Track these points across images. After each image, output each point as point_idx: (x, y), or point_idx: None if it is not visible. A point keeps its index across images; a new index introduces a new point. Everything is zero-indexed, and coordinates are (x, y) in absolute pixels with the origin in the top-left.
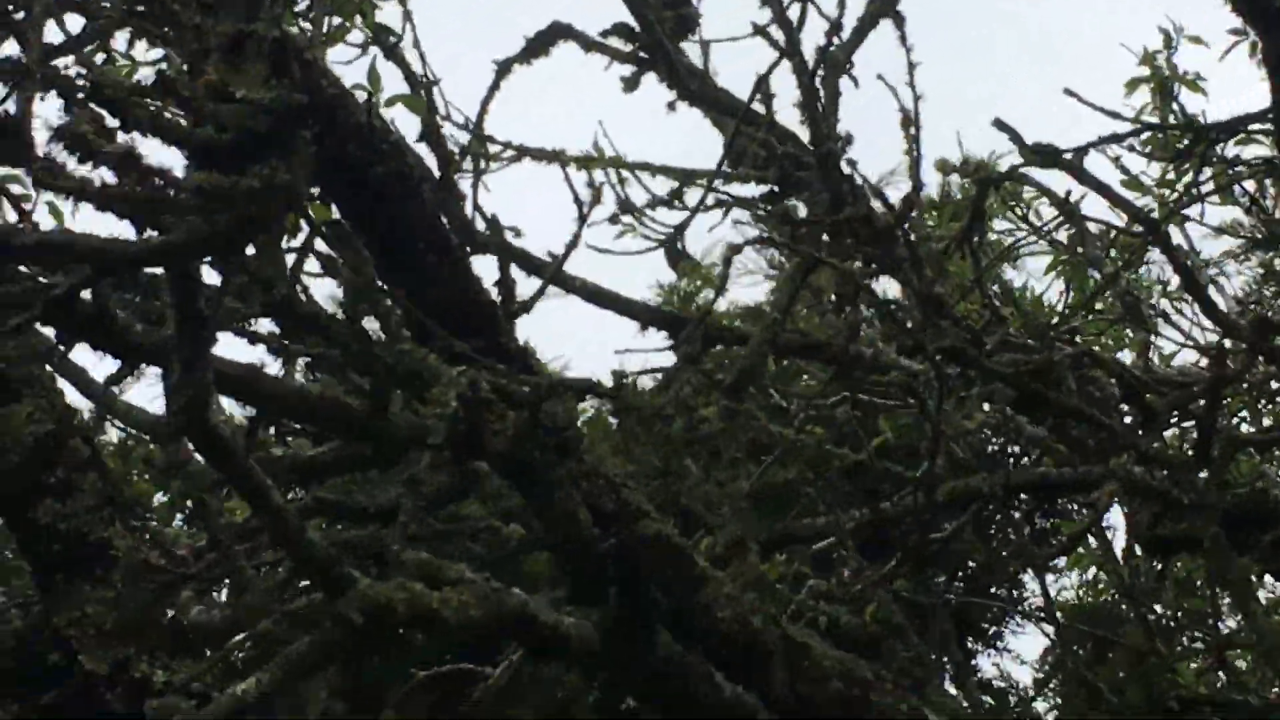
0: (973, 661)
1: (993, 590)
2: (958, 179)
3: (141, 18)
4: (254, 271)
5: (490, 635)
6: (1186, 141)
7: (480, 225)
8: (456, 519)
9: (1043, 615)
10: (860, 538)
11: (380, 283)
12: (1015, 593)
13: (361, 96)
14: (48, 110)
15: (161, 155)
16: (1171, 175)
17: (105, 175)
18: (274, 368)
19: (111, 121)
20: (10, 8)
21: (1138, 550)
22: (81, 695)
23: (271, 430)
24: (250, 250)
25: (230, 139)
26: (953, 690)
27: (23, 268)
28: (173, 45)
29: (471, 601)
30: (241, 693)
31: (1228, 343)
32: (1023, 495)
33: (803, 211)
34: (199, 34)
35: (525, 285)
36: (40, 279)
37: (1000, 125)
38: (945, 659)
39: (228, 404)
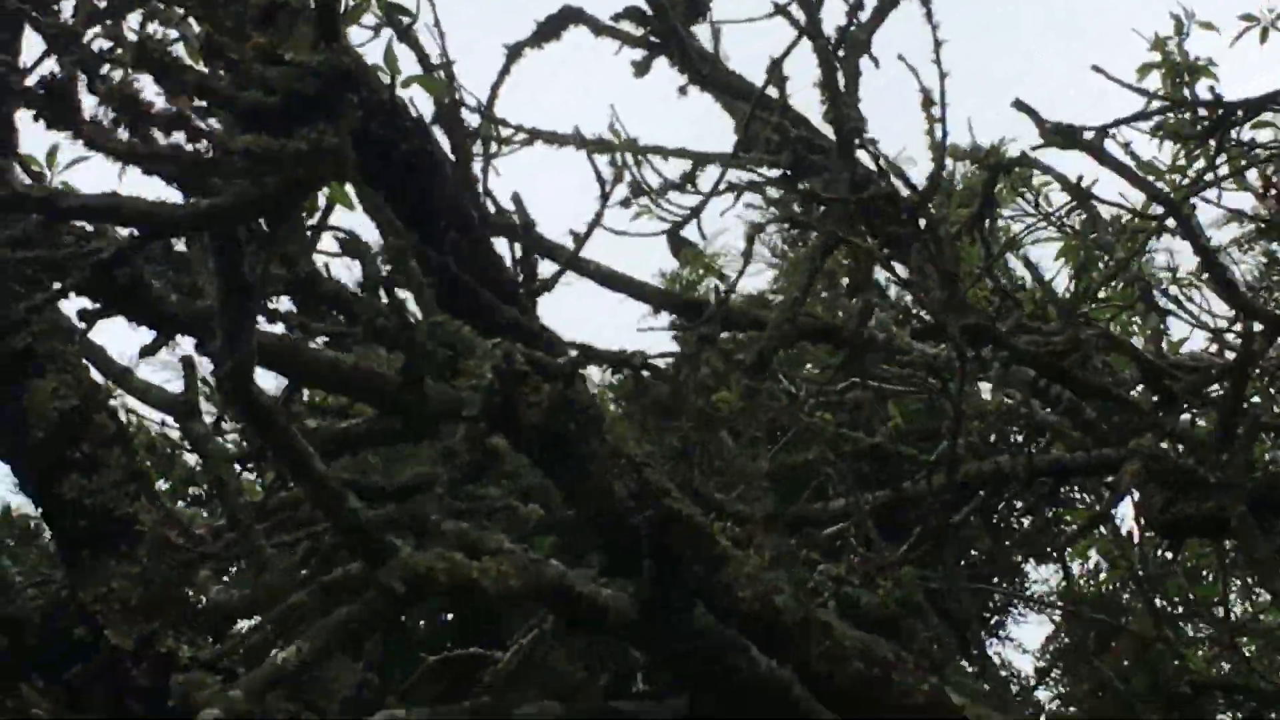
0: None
1: (995, 579)
2: (965, 165)
3: None
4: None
5: (528, 605)
6: (1209, 122)
7: (490, 208)
8: (474, 498)
9: (1050, 602)
10: (877, 520)
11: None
12: (1018, 581)
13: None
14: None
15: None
16: (1183, 161)
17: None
18: None
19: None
20: None
21: (1137, 537)
22: (107, 670)
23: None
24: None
25: (277, 102)
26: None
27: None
28: (204, 17)
29: (511, 571)
30: (281, 662)
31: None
32: (1044, 478)
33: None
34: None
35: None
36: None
37: (1020, 106)
38: (967, 639)
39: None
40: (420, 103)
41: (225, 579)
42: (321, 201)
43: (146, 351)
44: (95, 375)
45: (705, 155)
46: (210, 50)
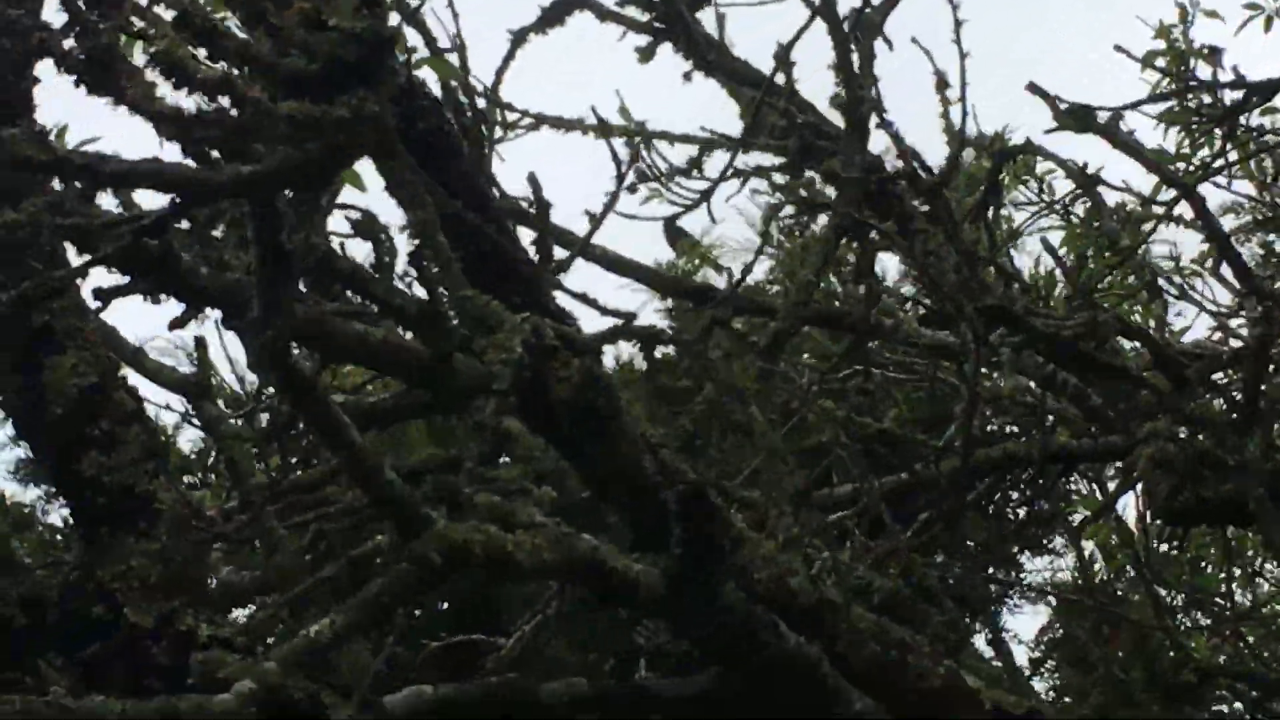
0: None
1: (991, 569)
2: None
3: None
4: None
5: (561, 579)
6: (1227, 105)
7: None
8: (486, 480)
9: (1050, 591)
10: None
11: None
12: (1013, 572)
13: None
14: None
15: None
16: (1187, 149)
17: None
18: None
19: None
20: None
21: (1136, 525)
22: (126, 649)
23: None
24: None
25: (318, 69)
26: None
27: None
28: None
29: (545, 545)
30: (315, 634)
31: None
32: (1054, 463)
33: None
34: None
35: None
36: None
37: (1034, 89)
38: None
39: None
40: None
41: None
42: None
43: (176, 324)
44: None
45: (712, 140)
46: (251, 15)
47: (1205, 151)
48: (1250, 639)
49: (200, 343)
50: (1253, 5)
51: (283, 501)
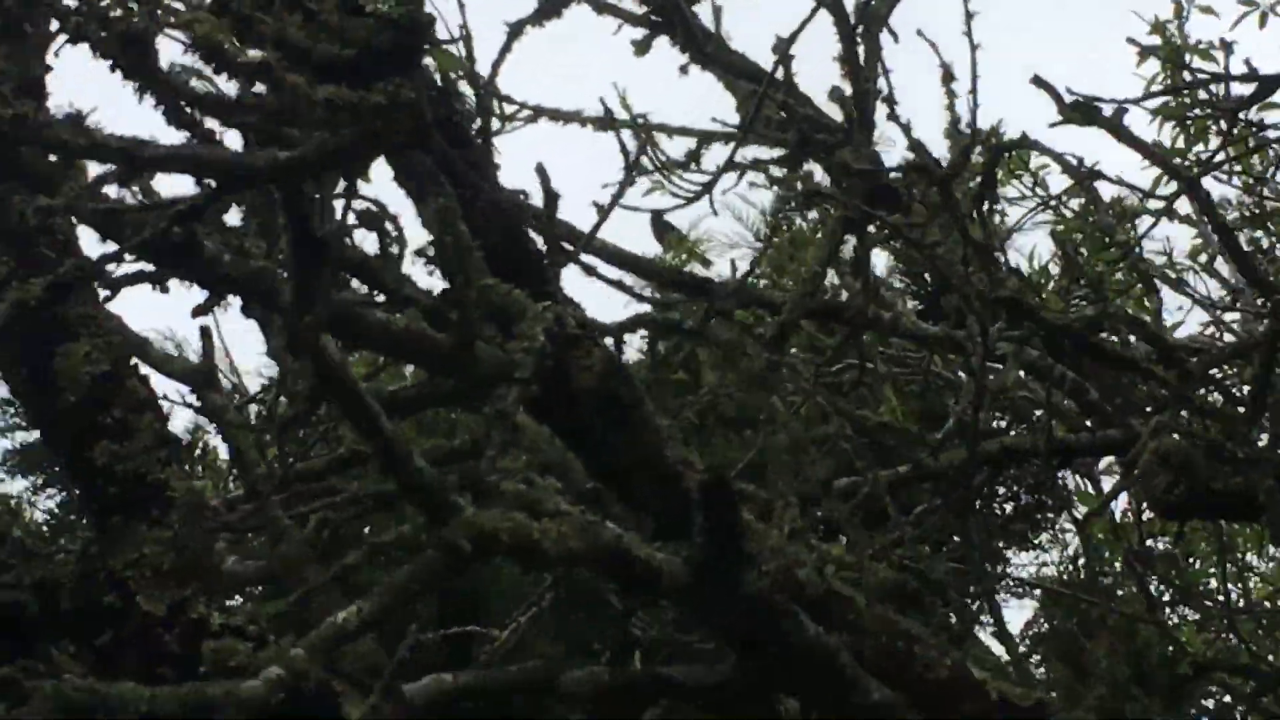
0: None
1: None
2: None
3: None
4: None
5: (586, 567)
6: (1242, 96)
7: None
8: (470, 472)
9: (1041, 585)
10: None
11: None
12: (999, 567)
13: None
14: None
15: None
16: (1181, 144)
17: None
18: None
19: None
20: None
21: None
22: (138, 636)
23: None
24: None
25: (352, 55)
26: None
27: None
28: None
29: (571, 533)
30: (342, 621)
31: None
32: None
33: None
34: None
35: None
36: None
37: (1038, 82)
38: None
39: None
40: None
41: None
42: None
43: (199, 311)
44: None
45: (711, 133)
46: (289, 1)
47: (1200, 146)
48: (1242, 633)
49: (205, 332)
50: (1248, 1)
51: (287, 491)
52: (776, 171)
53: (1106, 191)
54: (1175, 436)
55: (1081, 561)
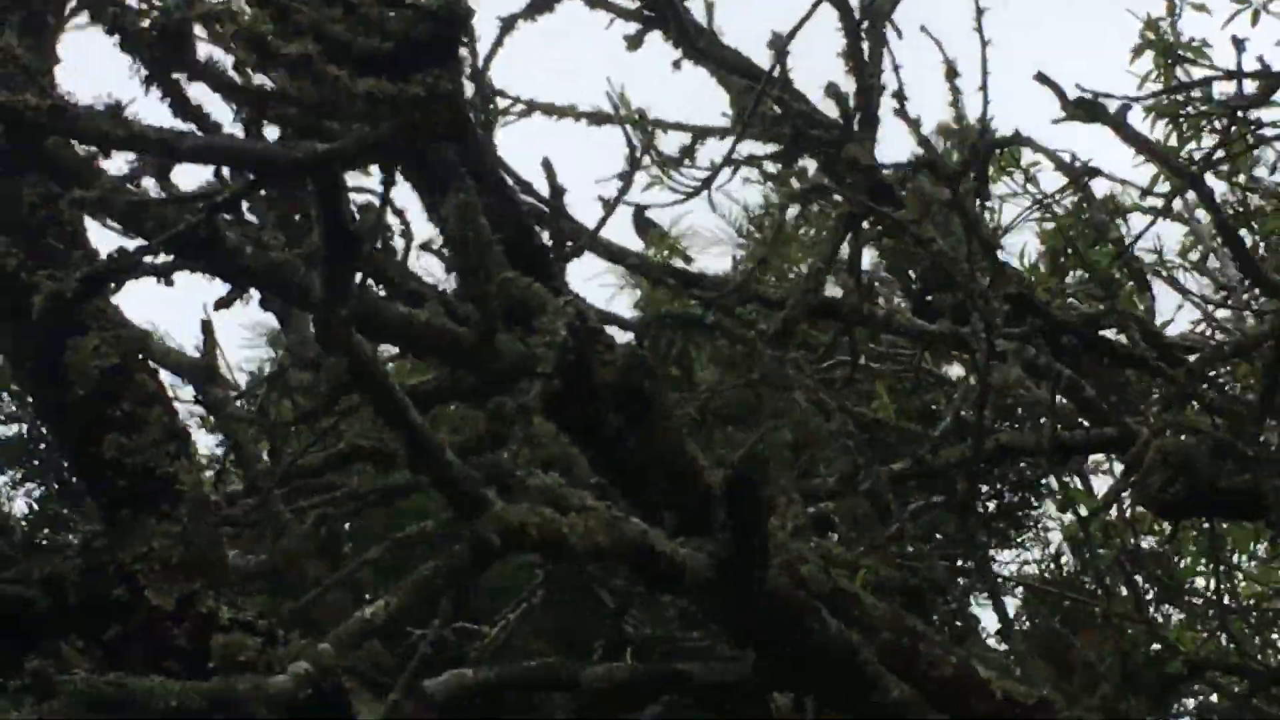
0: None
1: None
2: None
3: None
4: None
5: (611, 563)
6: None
7: None
8: (491, 466)
9: (1029, 583)
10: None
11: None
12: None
13: None
14: None
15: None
16: (1174, 142)
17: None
18: None
19: None
20: None
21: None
22: (146, 630)
23: None
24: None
25: (391, 47)
26: None
27: None
28: None
29: (597, 528)
30: (370, 615)
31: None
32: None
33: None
34: None
35: None
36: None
37: (1042, 79)
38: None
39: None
40: None
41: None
42: None
43: (221, 304)
44: None
45: (706, 128)
46: None
47: (1193, 144)
48: (1233, 632)
49: (206, 327)
50: None
51: (288, 486)
52: (770, 167)
53: (1098, 188)
54: (1178, 435)
55: (1065, 559)
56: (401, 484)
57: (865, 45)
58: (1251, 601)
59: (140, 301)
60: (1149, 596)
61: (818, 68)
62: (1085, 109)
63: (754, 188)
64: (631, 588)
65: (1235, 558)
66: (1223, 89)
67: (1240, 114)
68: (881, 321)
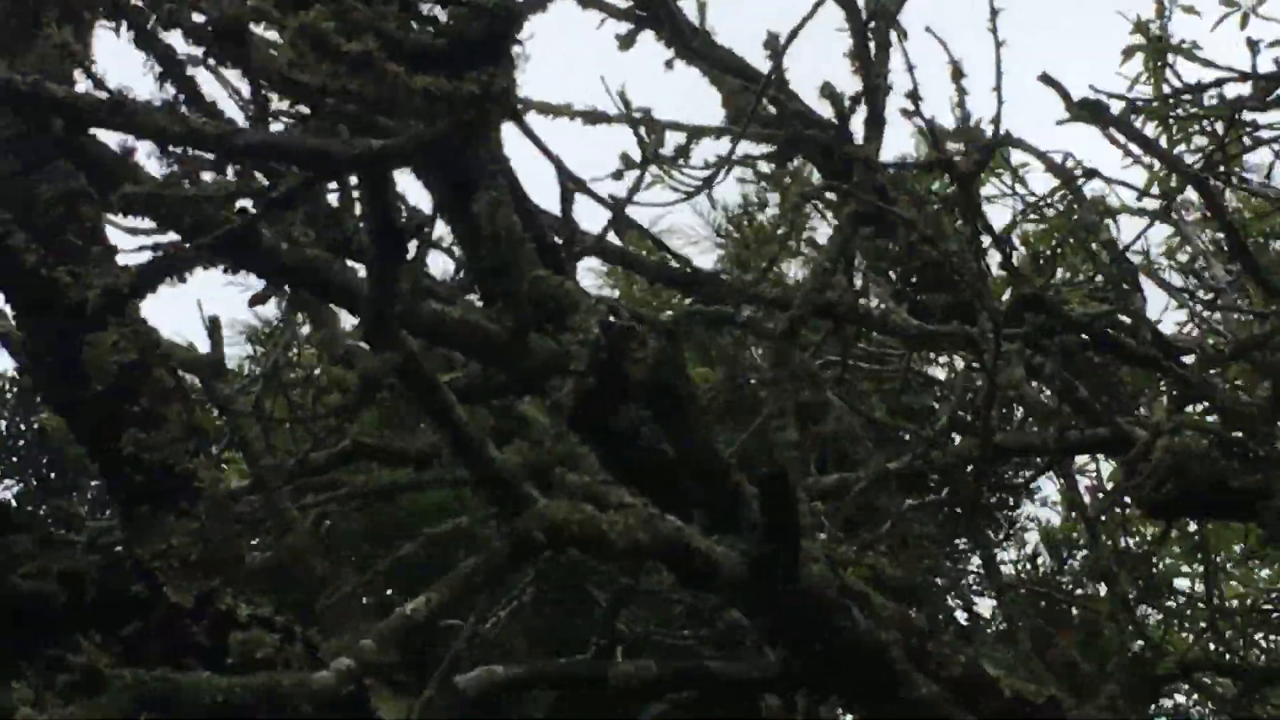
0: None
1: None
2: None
3: None
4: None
5: (649, 560)
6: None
7: None
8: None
9: (1015, 583)
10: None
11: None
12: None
13: None
14: None
15: None
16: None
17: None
18: None
19: None
20: None
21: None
22: (165, 627)
23: None
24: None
25: (444, 44)
26: None
27: None
28: None
29: (636, 525)
30: (411, 612)
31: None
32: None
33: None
34: None
35: None
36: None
37: (1046, 80)
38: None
39: None
40: None
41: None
42: None
43: (257, 300)
44: None
45: (701, 128)
46: None
47: (1182, 146)
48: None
49: (214, 323)
50: (1229, 1)
51: (293, 483)
52: (764, 167)
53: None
54: (1188, 435)
55: (1041, 560)
56: (404, 482)
57: (871, 45)
58: (1235, 602)
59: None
60: (1131, 595)
61: (813, 67)
62: (1090, 110)
63: (732, 187)
64: (632, 584)
65: (1217, 557)
66: (1213, 92)
67: (1236, 116)
68: (878, 321)
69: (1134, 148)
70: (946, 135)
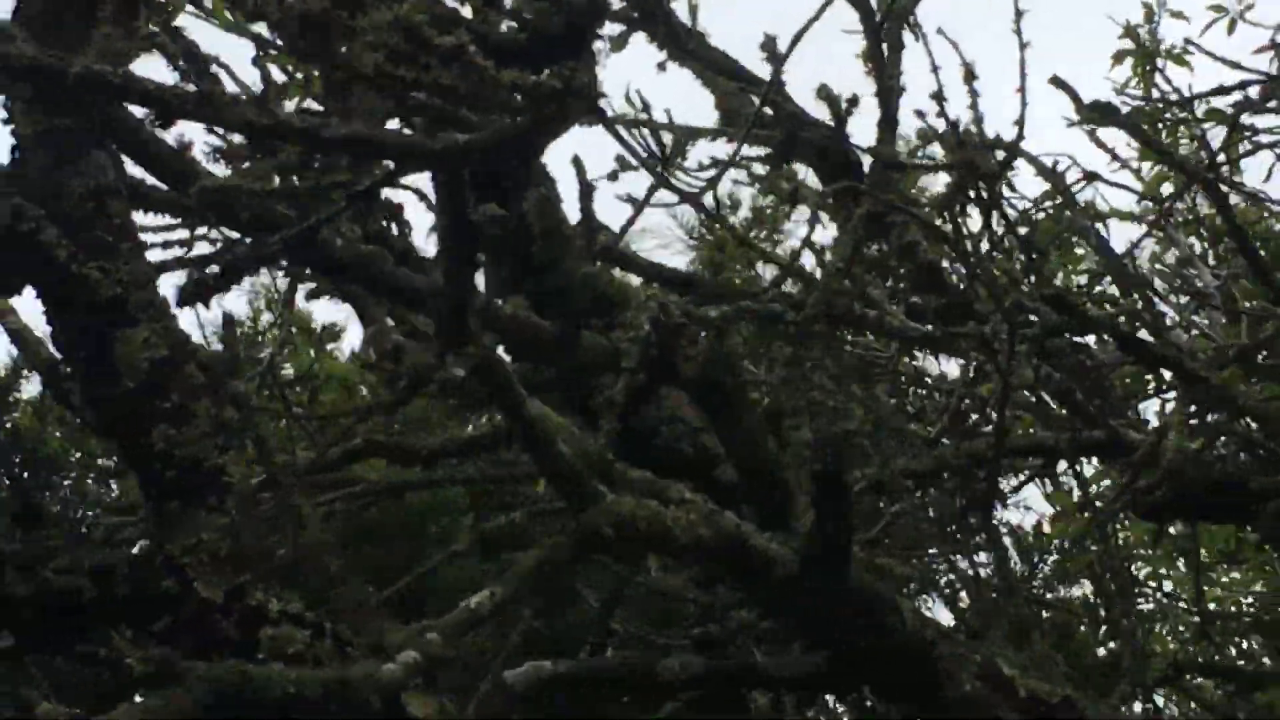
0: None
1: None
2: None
3: None
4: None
5: (709, 555)
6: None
7: None
8: (504, 464)
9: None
10: (902, 489)
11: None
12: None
13: None
14: None
15: None
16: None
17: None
18: None
19: None
20: None
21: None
22: (195, 622)
23: None
24: None
25: (525, 39)
26: None
27: None
28: None
29: (698, 521)
30: (475, 605)
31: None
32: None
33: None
34: None
35: None
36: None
37: (1057, 83)
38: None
39: None
40: None
41: None
42: None
43: (313, 295)
44: None
45: (697, 129)
46: None
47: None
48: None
49: (228, 319)
50: (1217, 8)
51: (308, 480)
52: (759, 168)
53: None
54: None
55: (1015, 564)
56: (415, 480)
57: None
58: (1214, 605)
59: None
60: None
61: (809, 69)
62: (1099, 112)
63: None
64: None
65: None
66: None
67: (1237, 120)
68: (874, 322)
69: (1122, 152)
70: (937, 137)
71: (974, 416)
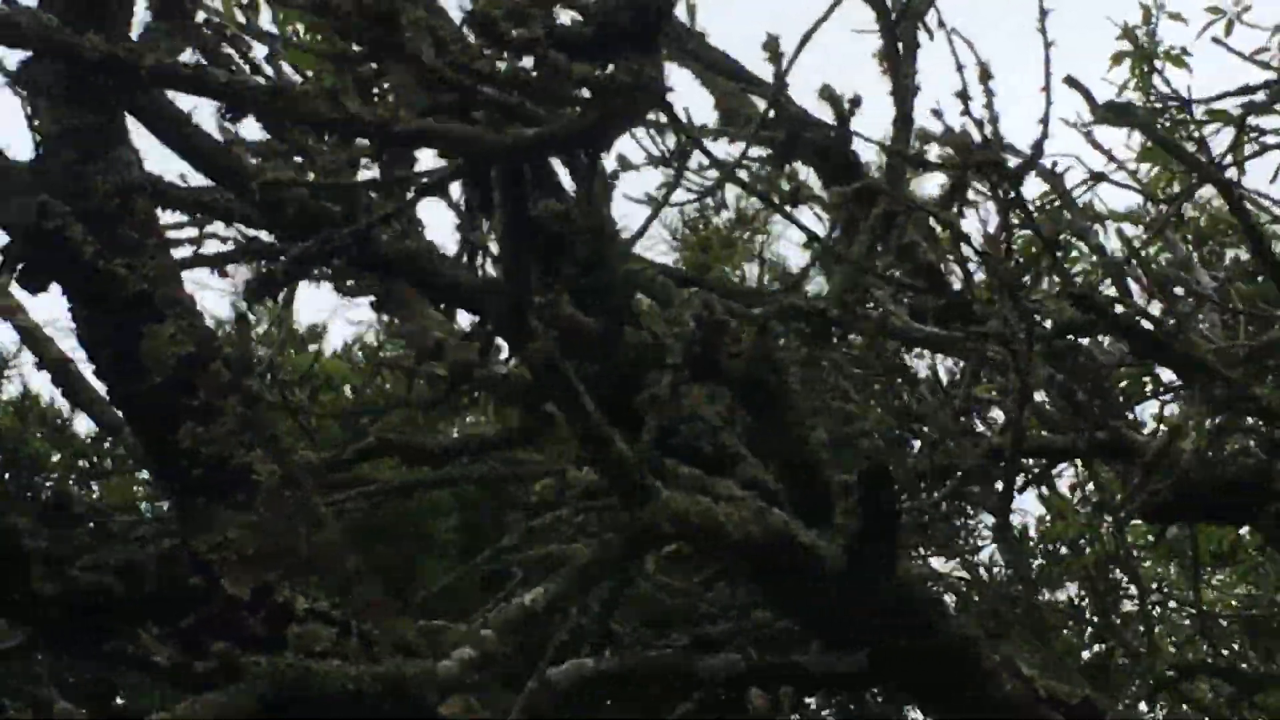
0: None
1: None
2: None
3: None
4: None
5: (759, 551)
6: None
7: None
8: (516, 462)
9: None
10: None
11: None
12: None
13: None
14: None
15: None
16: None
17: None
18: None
19: None
20: None
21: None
22: (222, 619)
23: None
24: None
25: (591, 33)
26: None
27: None
28: None
29: (749, 517)
30: (530, 602)
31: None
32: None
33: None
34: None
35: None
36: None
37: (1071, 83)
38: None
39: None
40: None
41: None
42: None
43: (354, 293)
44: None
45: (700, 129)
46: None
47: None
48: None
49: (241, 319)
50: (1214, 10)
51: (326, 478)
52: (757, 168)
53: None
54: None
55: (997, 569)
56: (427, 479)
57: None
58: (1208, 607)
59: None
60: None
61: (811, 68)
62: (1115, 112)
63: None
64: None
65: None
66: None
67: (1245, 121)
68: (876, 324)
69: (1119, 153)
70: (934, 137)
71: (975, 417)
